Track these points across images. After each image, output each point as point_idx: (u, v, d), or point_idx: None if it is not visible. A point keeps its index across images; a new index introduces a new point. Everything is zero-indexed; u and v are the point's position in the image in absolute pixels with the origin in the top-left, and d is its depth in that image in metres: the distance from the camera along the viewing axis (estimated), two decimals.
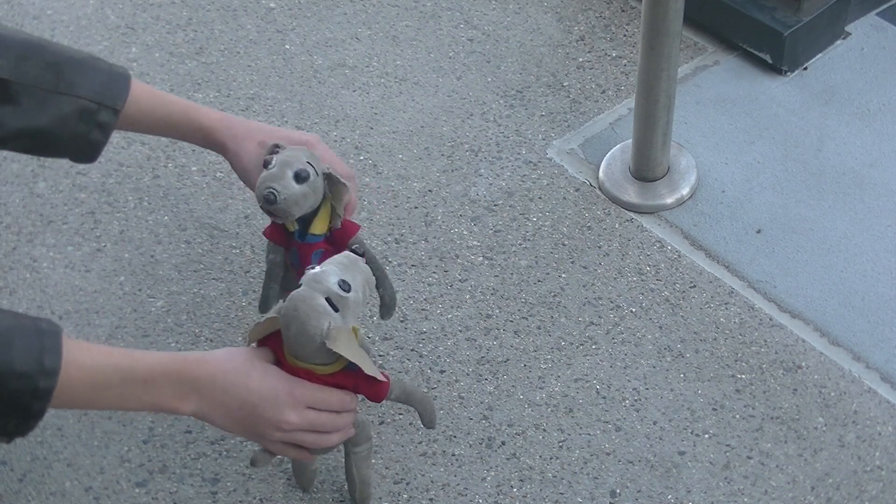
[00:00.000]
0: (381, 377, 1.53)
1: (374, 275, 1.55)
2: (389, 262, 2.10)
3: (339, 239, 1.69)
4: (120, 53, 2.50)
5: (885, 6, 2.63)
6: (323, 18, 2.53)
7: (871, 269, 2.13)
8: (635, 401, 1.92)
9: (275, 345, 1.52)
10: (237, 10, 2.61)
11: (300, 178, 1.57)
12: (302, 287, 1.45)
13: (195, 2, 2.65)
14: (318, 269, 1.47)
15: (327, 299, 1.44)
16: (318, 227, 1.67)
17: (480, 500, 1.76)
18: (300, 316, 1.44)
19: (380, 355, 1.96)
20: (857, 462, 1.85)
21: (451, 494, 1.77)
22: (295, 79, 2.42)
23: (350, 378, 1.53)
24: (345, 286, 1.45)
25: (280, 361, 1.52)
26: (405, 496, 1.77)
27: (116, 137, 2.28)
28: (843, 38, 2.56)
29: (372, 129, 2.32)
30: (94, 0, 2.66)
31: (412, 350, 1.97)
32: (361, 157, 2.27)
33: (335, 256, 1.51)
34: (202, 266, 2.08)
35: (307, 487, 1.77)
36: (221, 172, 2.24)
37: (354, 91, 2.39)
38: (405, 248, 2.13)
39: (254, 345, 1.54)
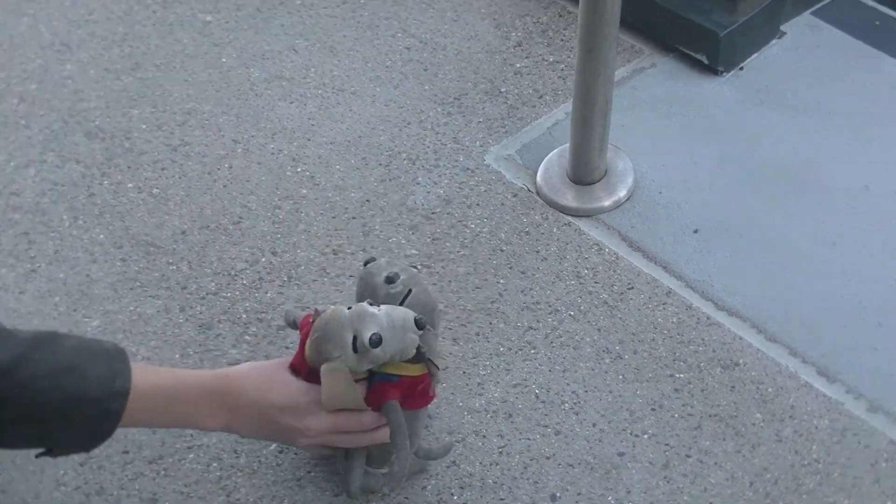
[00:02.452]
0: (361, 408, 1.54)
1: (396, 447, 1.56)
2: (327, 273, 2.11)
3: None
4: (55, 71, 2.51)
5: (819, 5, 2.68)
6: (260, 31, 2.55)
7: (806, 266, 2.16)
8: (574, 404, 1.94)
9: None
10: (173, 25, 2.62)
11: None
12: (351, 310, 1.48)
13: (131, 17, 2.66)
14: (373, 308, 1.49)
15: (355, 338, 1.46)
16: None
17: None
18: (326, 331, 1.48)
19: None
20: (794, 456, 1.88)
21: None
22: (232, 92, 2.43)
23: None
24: (375, 339, 1.45)
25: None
26: None
27: (50, 156, 2.29)
28: (779, 38, 2.60)
29: (309, 140, 2.34)
30: (27, 18, 2.67)
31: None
32: (299, 169, 2.29)
33: (398, 310, 1.51)
34: (138, 283, 2.09)
35: (354, 494, 1.73)
36: (158, 189, 2.25)
37: (292, 103, 2.41)
38: (343, 259, 2.14)
39: (284, 360, 1.58)
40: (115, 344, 1.45)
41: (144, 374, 1.45)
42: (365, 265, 1.61)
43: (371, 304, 1.49)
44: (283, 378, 1.54)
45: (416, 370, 1.54)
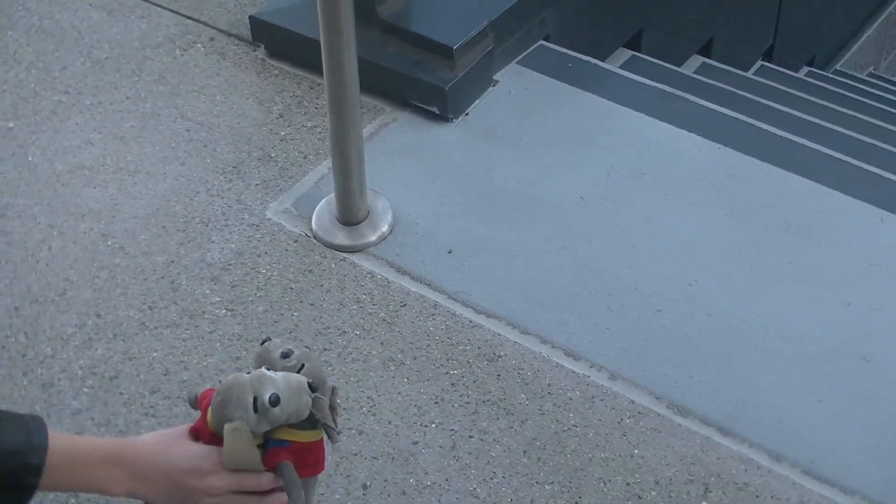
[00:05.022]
0: (259, 469, 1.47)
1: (291, 498, 1.47)
2: (146, 326, 2.12)
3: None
4: None
5: (522, 55, 2.80)
6: (58, 130, 2.53)
7: (544, 268, 2.28)
8: (371, 407, 2.01)
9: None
10: None
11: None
12: (250, 374, 1.43)
13: None
14: (270, 373, 1.44)
15: (255, 399, 1.41)
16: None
17: None
18: (228, 394, 1.42)
19: (150, 406, 1.98)
20: (556, 425, 1.99)
21: None
22: (41, 185, 2.41)
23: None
24: (273, 399, 1.40)
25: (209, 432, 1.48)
26: None
27: None
28: (494, 86, 2.71)
29: (115, 217, 2.34)
30: None
31: (177, 397, 2.00)
32: (109, 243, 2.29)
33: (293, 375, 1.46)
34: None
35: None
36: None
37: (95, 188, 2.40)
38: (158, 313, 2.16)
39: (185, 427, 1.49)
40: (33, 413, 1.39)
41: (54, 436, 1.38)
42: (262, 344, 1.55)
43: (268, 370, 1.45)
44: (184, 443, 1.47)
45: (306, 437, 1.49)
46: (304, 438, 1.49)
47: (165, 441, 1.47)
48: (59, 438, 1.40)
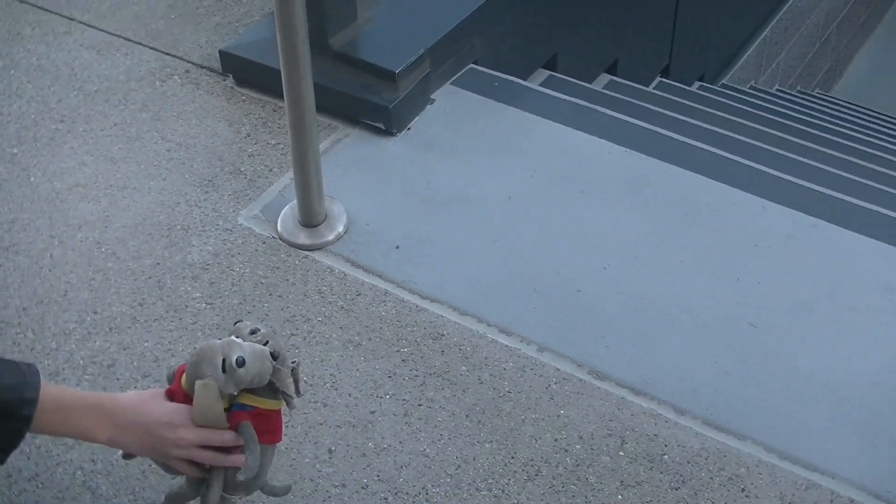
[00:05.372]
0: (223, 427, 1.47)
1: (248, 450, 1.47)
2: (137, 320, 2.12)
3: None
4: None
5: (455, 77, 2.81)
6: (55, 154, 2.51)
7: (479, 259, 2.29)
8: (333, 383, 2.02)
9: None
10: None
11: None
12: (221, 340, 1.44)
13: None
14: (238, 339, 1.45)
15: (224, 360, 1.42)
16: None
17: None
18: (200, 357, 1.43)
19: (143, 389, 1.91)
20: (493, 391, 2.01)
21: None
22: (42, 201, 2.40)
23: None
24: (240, 360, 1.41)
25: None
26: None
27: None
28: (431, 104, 2.72)
29: (107, 227, 2.33)
30: None
31: (167, 381, 1.97)
32: (103, 249, 2.28)
33: (258, 345, 1.45)
34: None
35: None
36: None
37: (89, 203, 2.39)
38: (147, 308, 2.15)
39: (161, 390, 1.50)
40: (30, 363, 1.40)
41: (45, 384, 1.39)
42: (235, 324, 1.54)
43: (237, 338, 1.46)
44: (160, 400, 1.48)
45: (267, 404, 1.49)
46: (264, 405, 1.49)
47: (143, 398, 1.48)
48: (50, 386, 1.40)
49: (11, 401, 1.34)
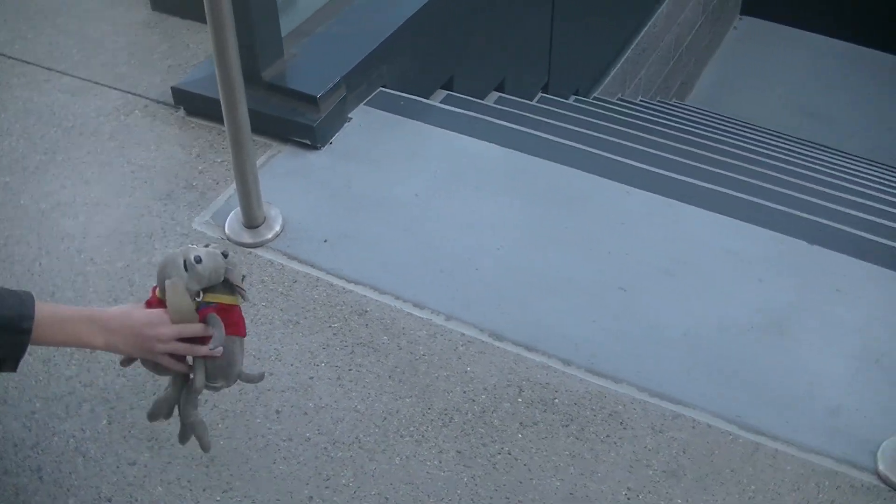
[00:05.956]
0: (194, 321, 1.46)
1: (214, 334, 1.46)
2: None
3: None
4: None
5: (368, 98, 2.75)
6: (41, 181, 2.43)
7: (394, 247, 2.25)
8: (277, 356, 1.97)
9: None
10: None
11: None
12: (181, 248, 1.46)
13: None
14: (193, 245, 1.47)
15: (185, 261, 1.43)
16: None
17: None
18: (164, 263, 1.45)
19: (121, 370, 1.91)
20: (410, 355, 1.97)
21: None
22: (31, 220, 2.33)
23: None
24: (197, 258, 1.43)
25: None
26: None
27: None
28: (349, 121, 2.66)
29: (86, 237, 2.27)
30: None
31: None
32: (83, 256, 2.22)
33: (211, 248, 1.47)
34: None
35: (155, 418, 1.58)
36: None
37: (71, 219, 2.32)
38: (121, 303, 2.00)
39: (141, 302, 1.49)
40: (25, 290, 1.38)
41: (40, 302, 1.37)
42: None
43: (192, 245, 1.48)
44: (140, 308, 1.47)
45: (226, 299, 1.49)
46: (224, 301, 1.50)
47: (127, 308, 1.48)
48: (44, 304, 1.38)
49: (11, 317, 1.33)
